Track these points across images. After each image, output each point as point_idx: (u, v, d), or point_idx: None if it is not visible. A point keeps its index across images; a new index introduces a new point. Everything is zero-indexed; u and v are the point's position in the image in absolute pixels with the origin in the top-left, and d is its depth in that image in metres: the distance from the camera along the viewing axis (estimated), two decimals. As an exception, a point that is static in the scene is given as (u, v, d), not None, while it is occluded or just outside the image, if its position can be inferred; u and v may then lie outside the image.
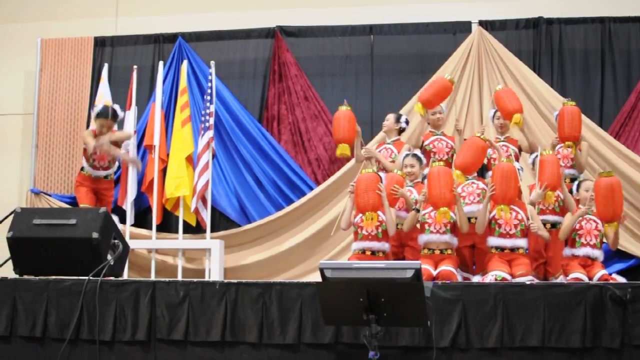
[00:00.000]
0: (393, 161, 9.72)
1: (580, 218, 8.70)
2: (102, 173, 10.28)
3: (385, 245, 8.76)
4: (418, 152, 9.60)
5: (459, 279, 8.52)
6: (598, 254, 8.79)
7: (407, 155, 9.40)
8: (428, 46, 11.92)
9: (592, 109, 11.23)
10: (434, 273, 8.39)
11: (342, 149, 9.98)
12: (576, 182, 9.26)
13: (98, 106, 10.19)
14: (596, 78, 11.61)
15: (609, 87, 11.39)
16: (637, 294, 6.68)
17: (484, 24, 11.79)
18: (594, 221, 8.74)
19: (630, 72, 11.61)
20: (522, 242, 8.63)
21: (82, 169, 10.35)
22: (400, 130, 9.97)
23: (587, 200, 8.74)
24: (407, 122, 10.04)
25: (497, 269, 8.28)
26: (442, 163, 8.95)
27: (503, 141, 9.74)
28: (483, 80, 11.32)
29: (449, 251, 8.72)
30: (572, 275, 8.45)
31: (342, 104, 10.09)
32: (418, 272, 5.89)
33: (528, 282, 7.32)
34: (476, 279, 8.65)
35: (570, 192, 9.16)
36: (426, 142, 9.78)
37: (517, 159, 9.42)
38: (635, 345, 6.67)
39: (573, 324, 6.69)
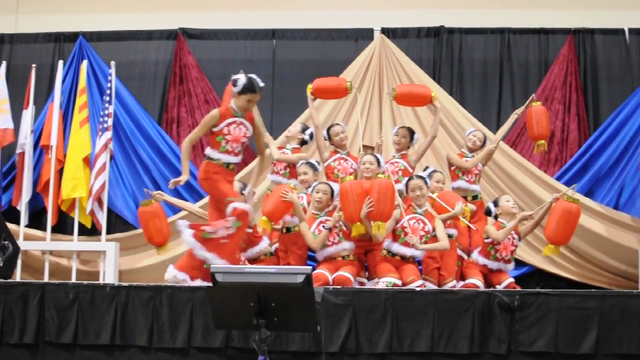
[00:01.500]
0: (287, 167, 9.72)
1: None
2: None
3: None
4: (313, 160, 9.59)
5: (355, 284, 8.54)
6: (510, 267, 9.03)
7: (301, 163, 9.39)
8: (330, 52, 11.99)
9: (489, 119, 11.41)
10: (331, 278, 8.38)
11: None
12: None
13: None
14: (494, 87, 11.83)
15: (507, 97, 11.57)
16: (524, 301, 6.79)
17: (386, 31, 11.89)
18: (512, 237, 8.91)
19: (528, 82, 11.84)
20: (419, 253, 8.68)
21: None
22: (303, 141, 9.95)
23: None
24: (311, 137, 9.99)
25: (388, 275, 8.32)
26: (351, 178, 8.90)
27: (398, 158, 9.78)
28: (384, 87, 11.40)
29: (351, 257, 8.71)
30: (468, 281, 8.56)
31: None
32: (309, 277, 5.86)
33: (418, 289, 7.38)
34: (370, 284, 8.67)
35: (489, 211, 9.20)
36: (330, 161, 9.75)
37: (408, 174, 9.42)
38: (521, 351, 6.78)
39: (461, 330, 6.77)
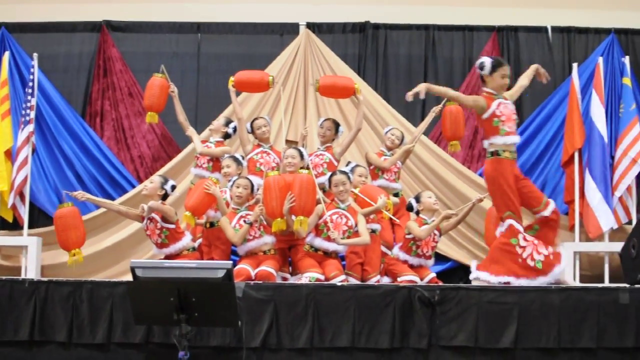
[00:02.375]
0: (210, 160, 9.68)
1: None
2: None
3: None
4: (237, 154, 9.58)
5: (278, 279, 8.54)
6: (430, 263, 9.07)
7: (225, 157, 9.37)
8: (255, 46, 11.94)
9: (414, 114, 11.45)
10: (253, 273, 8.36)
11: (151, 117, 10.20)
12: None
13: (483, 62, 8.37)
14: (419, 83, 11.80)
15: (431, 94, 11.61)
16: (445, 295, 6.84)
17: (311, 26, 11.87)
18: (433, 233, 8.94)
19: (452, 79, 11.91)
20: (342, 248, 8.70)
21: None
22: (226, 135, 9.92)
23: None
24: (234, 130, 9.98)
25: (311, 270, 8.31)
26: (276, 172, 8.91)
27: (323, 150, 9.80)
28: (309, 82, 11.37)
29: (272, 251, 8.70)
30: (405, 277, 8.58)
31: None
32: (229, 272, 5.87)
33: (339, 284, 7.39)
34: (293, 279, 8.67)
35: (410, 207, 9.20)
36: (253, 154, 9.72)
37: (333, 168, 9.46)
38: (442, 345, 6.84)
39: (382, 324, 6.80)
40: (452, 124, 10.24)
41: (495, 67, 8.07)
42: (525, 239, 7.89)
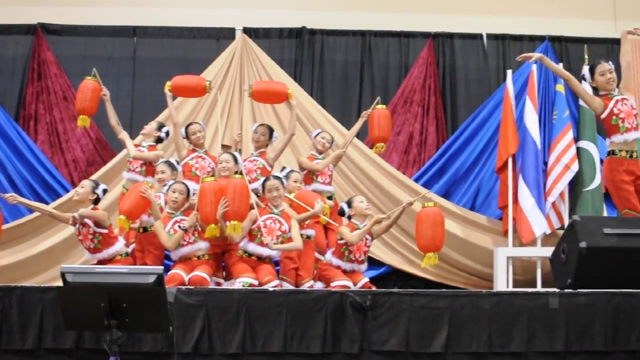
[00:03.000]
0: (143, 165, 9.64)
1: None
2: None
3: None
4: (172, 159, 9.55)
5: (212, 284, 8.52)
6: (363, 268, 9.04)
7: (160, 162, 9.34)
8: (191, 51, 11.91)
9: (349, 119, 11.47)
10: (187, 278, 8.33)
11: (83, 121, 10.10)
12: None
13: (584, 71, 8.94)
14: (355, 89, 11.96)
15: (367, 99, 11.63)
16: (376, 300, 6.86)
17: (247, 31, 11.86)
18: (365, 238, 8.92)
19: (388, 85, 12.00)
20: (276, 253, 8.70)
21: None
22: (159, 139, 9.89)
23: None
24: (167, 134, 9.96)
25: (244, 275, 8.31)
26: (212, 178, 8.89)
27: (256, 156, 9.80)
28: (247, 84, 11.33)
29: (206, 256, 8.68)
30: (338, 283, 8.57)
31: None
32: (160, 277, 5.84)
33: (271, 289, 7.39)
34: (226, 284, 8.66)
35: (342, 212, 9.20)
36: (188, 159, 9.70)
37: (267, 173, 9.46)
38: (373, 350, 6.87)
39: (314, 329, 6.81)
40: (379, 126, 10.29)
41: (592, 71, 8.50)
42: None
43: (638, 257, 7.26)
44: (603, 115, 8.34)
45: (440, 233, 8.94)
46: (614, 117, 8.28)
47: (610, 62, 8.59)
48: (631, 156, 8.30)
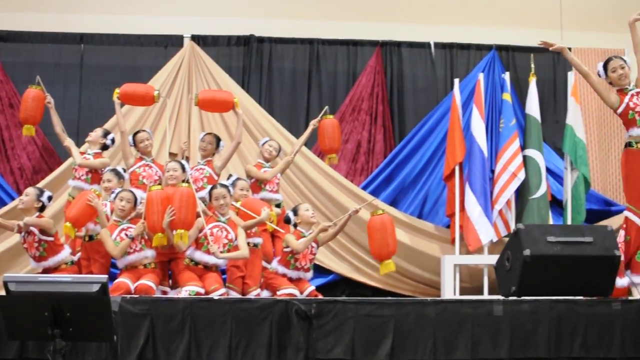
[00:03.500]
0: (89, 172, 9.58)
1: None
2: None
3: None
4: (118, 167, 9.51)
5: (158, 293, 8.48)
6: (309, 275, 9.02)
7: (107, 170, 9.30)
8: (139, 58, 11.87)
9: (297, 127, 11.48)
10: (133, 287, 8.29)
11: (28, 130, 10.02)
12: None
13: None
14: (303, 97, 11.98)
15: (315, 107, 11.67)
16: (322, 309, 6.86)
17: (196, 38, 11.84)
18: (311, 246, 8.91)
19: (336, 93, 12.05)
20: (222, 262, 8.69)
21: None
22: (104, 146, 9.83)
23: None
24: (112, 141, 9.91)
25: (191, 284, 8.29)
26: (159, 187, 8.84)
27: (203, 164, 9.78)
28: (193, 93, 11.31)
29: (152, 265, 8.64)
30: (284, 291, 8.56)
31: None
32: (104, 286, 5.79)
33: (216, 297, 7.38)
34: (173, 293, 8.62)
35: (288, 219, 9.17)
36: (135, 167, 9.66)
37: (214, 182, 9.45)
38: (319, 358, 6.86)
39: (259, 338, 6.80)
40: (329, 136, 10.32)
41: (605, 67, 8.59)
42: None
43: (581, 265, 7.35)
44: (619, 110, 8.47)
45: (392, 239, 9.08)
46: (630, 112, 8.40)
47: (623, 57, 8.73)
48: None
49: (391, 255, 9.10)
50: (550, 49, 8.75)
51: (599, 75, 8.69)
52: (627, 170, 8.53)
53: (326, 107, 10.58)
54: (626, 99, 8.43)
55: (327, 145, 10.37)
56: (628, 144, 8.49)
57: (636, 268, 8.32)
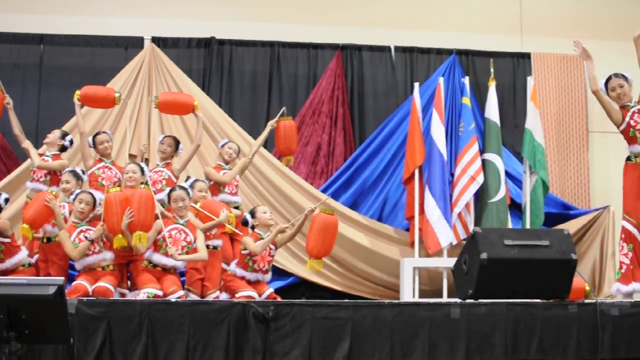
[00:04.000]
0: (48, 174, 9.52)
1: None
2: None
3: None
4: (77, 169, 9.46)
5: (117, 295, 8.45)
6: (267, 278, 9.00)
7: (65, 171, 9.25)
8: (99, 59, 11.81)
9: (258, 130, 11.36)
10: (91, 289, 8.25)
11: None
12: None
13: None
14: (263, 100, 12.00)
15: (275, 109, 11.54)
16: (279, 311, 6.87)
17: (156, 40, 11.82)
18: (269, 248, 8.90)
19: (296, 96, 12.08)
20: (181, 264, 8.66)
21: None
22: (62, 147, 9.78)
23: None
24: (71, 142, 9.86)
25: (149, 286, 8.25)
26: (118, 189, 8.81)
27: (162, 167, 9.77)
28: (153, 95, 11.26)
29: (111, 267, 8.60)
30: (242, 293, 8.55)
31: None
32: (61, 288, 5.76)
33: (173, 299, 7.37)
34: (131, 295, 8.60)
35: (245, 222, 9.16)
36: (94, 169, 9.62)
37: (172, 184, 9.42)
38: (274, 362, 6.86)
39: (217, 341, 6.78)
40: (286, 138, 10.31)
41: (606, 85, 8.79)
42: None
43: (538, 268, 7.40)
44: (621, 128, 8.69)
45: (331, 241, 9.00)
46: (631, 129, 8.62)
47: (624, 74, 8.89)
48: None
49: (323, 255, 9.06)
50: (579, 52, 8.91)
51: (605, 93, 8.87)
52: (624, 182, 8.76)
53: (283, 109, 10.56)
54: (627, 117, 8.64)
55: (284, 146, 10.36)
56: (627, 158, 8.72)
57: None
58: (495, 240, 7.36)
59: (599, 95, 8.81)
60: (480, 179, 11.18)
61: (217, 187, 9.78)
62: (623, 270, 8.71)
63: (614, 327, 7.37)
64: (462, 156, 11.38)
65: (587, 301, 7.75)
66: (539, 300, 7.46)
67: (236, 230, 9.25)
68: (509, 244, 7.36)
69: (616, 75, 8.81)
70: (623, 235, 8.76)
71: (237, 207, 9.82)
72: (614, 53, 12.75)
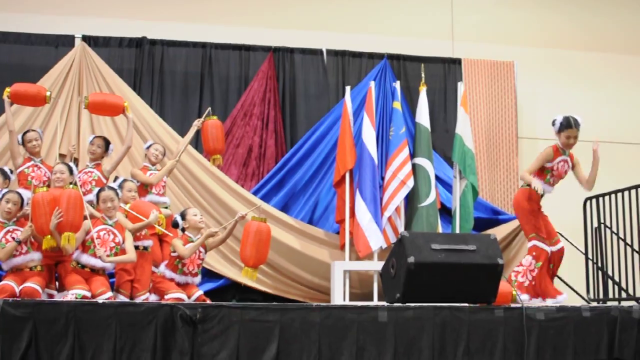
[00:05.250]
0: None
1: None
2: None
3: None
4: (5, 167, 9.36)
5: (44, 296, 8.36)
6: (197, 280, 8.97)
7: None
8: (29, 57, 11.71)
9: (187, 131, 11.43)
10: (17, 290, 8.15)
11: None
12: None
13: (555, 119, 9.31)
14: (195, 100, 12.00)
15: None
16: (207, 314, 6.84)
17: (87, 39, 11.73)
18: (199, 250, 8.86)
19: (228, 97, 12.10)
20: (110, 265, 8.60)
21: None
22: None
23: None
24: None
25: (77, 287, 8.18)
26: (45, 188, 8.70)
27: (92, 167, 9.69)
28: (83, 96, 11.18)
29: (38, 267, 8.51)
30: (171, 295, 8.51)
31: None
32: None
33: (100, 301, 7.31)
34: (59, 296, 8.51)
35: (176, 224, 9.10)
36: (23, 167, 9.51)
37: (102, 185, 9.36)
38: (203, 364, 6.84)
39: (144, 342, 6.73)
40: (212, 137, 10.31)
41: (561, 129, 9.16)
42: None
43: (464, 272, 7.48)
44: (547, 164, 9.16)
45: (264, 249, 8.99)
46: (548, 170, 9.18)
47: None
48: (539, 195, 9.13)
49: (258, 264, 9.04)
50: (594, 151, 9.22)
51: (552, 124, 9.26)
52: (525, 204, 9.14)
53: (209, 109, 10.60)
54: (555, 161, 9.13)
55: (211, 146, 10.36)
56: (528, 185, 9.06)
57: None
58: (422, 244, 7.42)
59: (533, 169, 9.26)
60: (410, 183, 11.25)
61: (144, 188, 9.75)
62: (526, 284, 9.02)
63: (540, 331, 7.47)
64: (392, 160, 11.45)
65: (513, 305, 7.84)
66: (465, 304, 7.52)
67: (166, 232, 9.21)
68: (436, 248, 7.42)
69: (576, 125, 9.18)
70: (534, 253, 9.08)
71: (166, 207, 9.80)
72: (545, 60, 12.98)
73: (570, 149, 9.24)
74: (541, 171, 9.14)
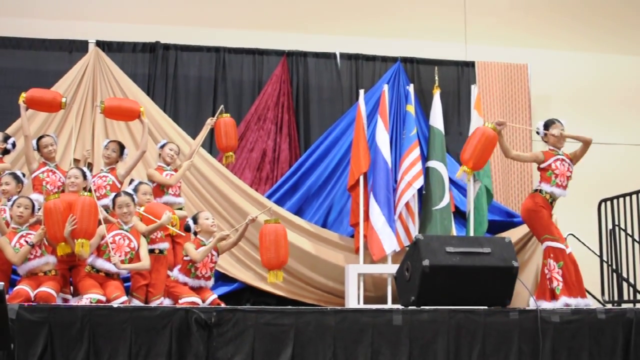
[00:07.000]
0: None
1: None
2: None
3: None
4: (17, 171, 9.38)
5: (59, 301, 8.38)
6: (210, 284, 8.98)
7: (5, 173, 9.16)
8: (43, 63, 11.73)
9: (198, 135, 11.48)
10: (32, 294, 8.18)
11: None
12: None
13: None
14: (208, 105, 11.97)
15: (221, 115, 11.69)
16: (222, 317, 6.86)
17: (101, 44, 11.77)
18: (211, 254, 8.87)
19: (241, 101, 12.09)
20: (124, 271, 8.63)
21: None
22: (5, 151, 9.70)
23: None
24: (14, 145, 9.78)
25: (92, 291, 8.20)
26: (57, 195, 8.72)
27: (106, 172, 9.70)
28: (97, 100, 11.20)
29: (53, 272, 8.52)
30: (186, 299, 8.52)
31: None
32: (0, 293, 5.73)
33: (115, 305, 7.33)
34: (74, 301, 8.53)
35: (188, 228, 9.13)
36: (38, 172, 9.53)
37: (117, 189, 9.38)
38: (218, 367, 6.85)
39: (159, 346, 6.76)
40: (225, 134, 10.33)
41: (546, 127, 9.41)
42: None
43: (479, 275, 7.48)
44: (542, 165, 9.37)
45: (284, 249, 8.97)
46: (550, 171, 9.30)
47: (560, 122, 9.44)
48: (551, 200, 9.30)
49: (281, 265, 9.01)
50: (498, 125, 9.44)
51: (538, 134, 9.49)
52: (537, 208, 9.19)
53: (222, 107, 10.61)
54: (552, 159, 9.26)
55: (224, 143, 10.38)
56: (539, 190, 9.24)
57: None
58: (437, 247, 7.43)
59: (519, 158, 9.90)
60: (417, 185, 11.22)
61: (160, 188, 9.77)
62: (561, 286, 8.91)
63: (555, 334, 7.47)
64: (403, 162, 11.42)
65: (528, 308, 7.83)
66: (480, 307, 7.51)
67: (180, 233, 9.22)
68: (451, 251, 7.44)
69: (559, 120, 9.38)
70: (552, 255, 9.04)
71: (180, 209, 9.81)
72: (558, 62, 12.95)
73: (562, 147, 9.35)
74: (545, 175, 9.24)
